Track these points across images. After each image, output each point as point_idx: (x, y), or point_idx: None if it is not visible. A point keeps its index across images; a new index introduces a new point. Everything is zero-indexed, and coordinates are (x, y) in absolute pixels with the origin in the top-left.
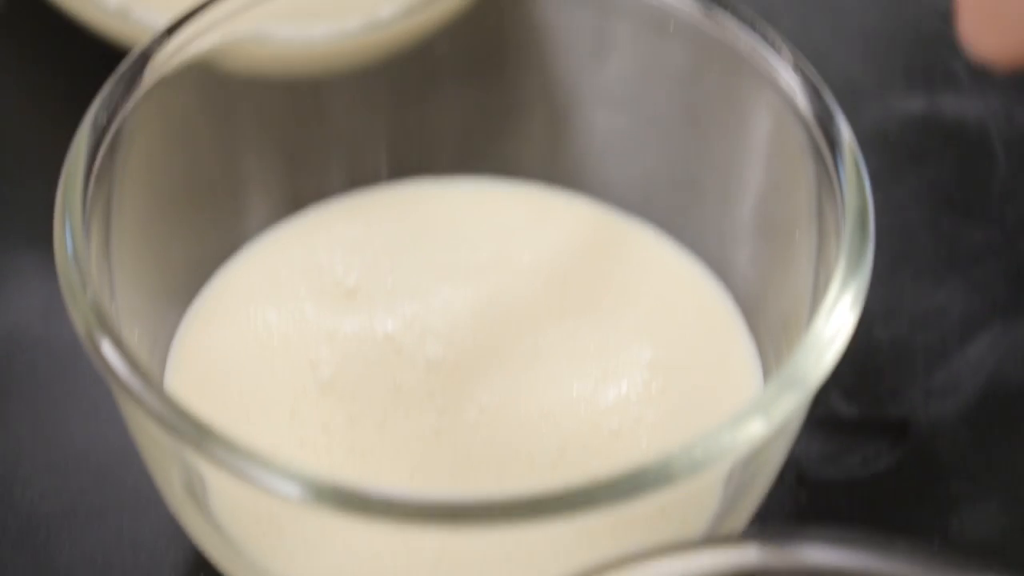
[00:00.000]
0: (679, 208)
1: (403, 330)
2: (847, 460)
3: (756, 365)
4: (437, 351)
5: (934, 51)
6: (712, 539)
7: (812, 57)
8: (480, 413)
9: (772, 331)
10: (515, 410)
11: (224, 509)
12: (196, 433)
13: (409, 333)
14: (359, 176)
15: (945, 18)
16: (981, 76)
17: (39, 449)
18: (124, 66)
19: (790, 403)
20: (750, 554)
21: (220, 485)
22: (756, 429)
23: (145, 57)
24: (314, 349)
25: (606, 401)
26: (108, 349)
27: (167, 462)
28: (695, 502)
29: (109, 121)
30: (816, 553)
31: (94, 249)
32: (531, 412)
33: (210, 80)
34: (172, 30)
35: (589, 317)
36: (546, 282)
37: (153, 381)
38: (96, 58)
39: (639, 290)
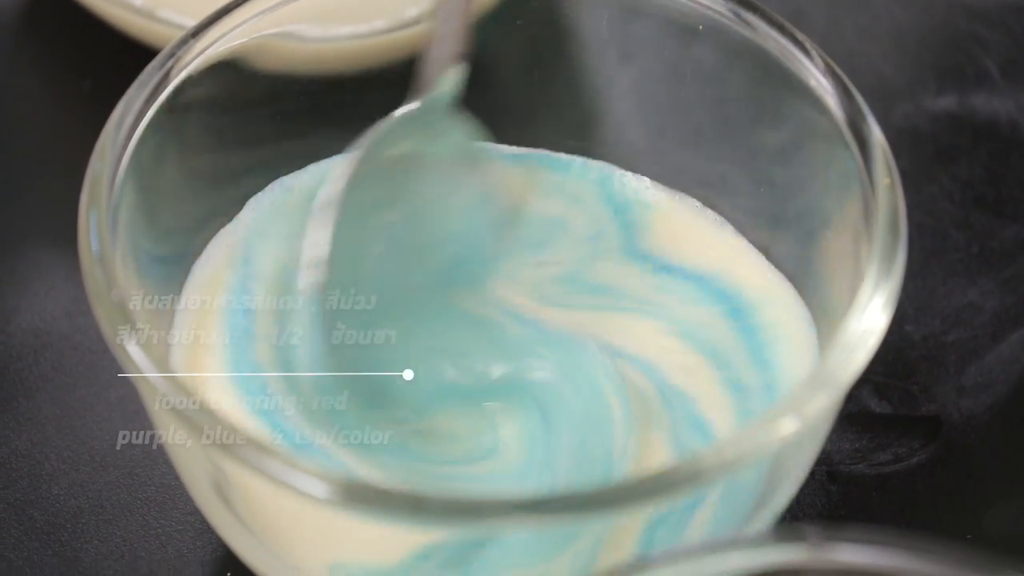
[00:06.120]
0: (708, 207)
1: None
2: (879, 457)
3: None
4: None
5: (965, 49)
6: (742, 538)
7: (842, 57)
8: None
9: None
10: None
11: (251, 506)
12: (223, 433)
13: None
14: None
15: (976, 16)
16: (1013, 74)
17: (65, 445)
18: (151, 66)
19: (822, 402)
20: (781, 553)
21: (247, 484)
22: (788, 428)
23: (172, 57)
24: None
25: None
26: (134, 349)
27: (194, 460)
28: (726, 501)
29: (135, 121)
30: (848, 553)
31: (120, 249)
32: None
33: (236, 79)
34: (199, 30)
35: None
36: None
37: (179, 381)
38: (122, 56)
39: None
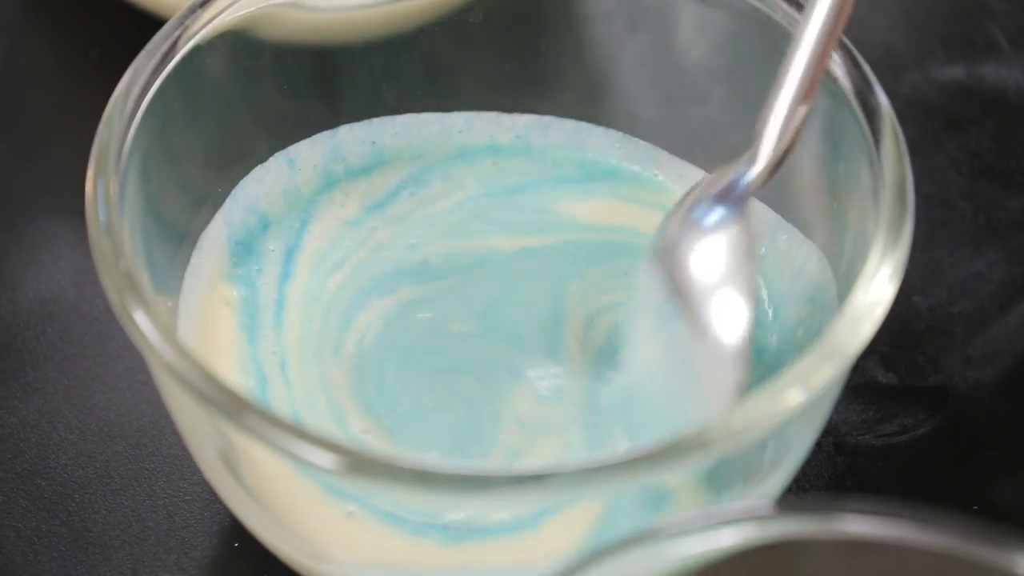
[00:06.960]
0: None
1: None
2: (885, 428)
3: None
4: None
5: (973, 19)
6: (748, 509)
7: (850, 26)
8: None
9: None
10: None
11: (258, 477)
12: (231, 404)
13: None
14: None
15: None
16: (1021, 43)
17: (73, 415)
18: (159, 36)
19: (828, 373)
20: (787, 524)
21: (254, 455)
22: (794, 399)
23: (179, 26)
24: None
25: None
26: (142, 319)
27: (201, 431)
28: (732, 471)
29: (143, 90)
30: (854, 524)
31: (127, 218)
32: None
33: (244, 49)
34: (207, 0)
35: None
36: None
37: (187, 351)
38: (129, 26)
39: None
